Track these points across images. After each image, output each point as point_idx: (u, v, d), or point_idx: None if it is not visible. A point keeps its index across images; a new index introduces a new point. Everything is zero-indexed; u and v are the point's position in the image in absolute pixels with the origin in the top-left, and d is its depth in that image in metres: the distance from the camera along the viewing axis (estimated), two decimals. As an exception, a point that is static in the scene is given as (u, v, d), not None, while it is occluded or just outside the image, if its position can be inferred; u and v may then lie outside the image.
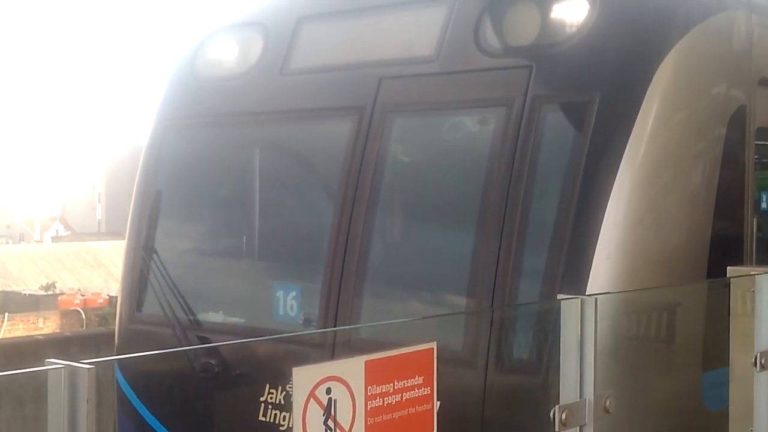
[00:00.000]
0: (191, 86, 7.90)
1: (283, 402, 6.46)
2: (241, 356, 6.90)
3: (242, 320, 7.42)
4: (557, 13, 6.17)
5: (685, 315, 6.01)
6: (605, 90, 5.87)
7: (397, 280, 6.68)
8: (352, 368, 2.88)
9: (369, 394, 2.94)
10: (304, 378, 2.75)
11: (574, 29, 6.06)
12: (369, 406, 2.95)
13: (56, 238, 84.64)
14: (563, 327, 3.87)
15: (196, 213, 8.00)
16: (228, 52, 7.76)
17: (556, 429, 3.78)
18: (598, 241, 5.62)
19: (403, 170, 6.85)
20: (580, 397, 3.78)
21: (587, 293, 5.25)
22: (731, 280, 5.45)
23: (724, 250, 6.19)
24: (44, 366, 2.31)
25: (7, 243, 79.12)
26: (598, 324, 3.87)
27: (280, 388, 6.50)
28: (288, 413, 6.41)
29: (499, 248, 5.88)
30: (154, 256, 7.67)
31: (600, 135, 5.77)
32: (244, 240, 7.78)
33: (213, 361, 6.81)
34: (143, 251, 7.74)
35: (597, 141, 5.76)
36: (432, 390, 3.15)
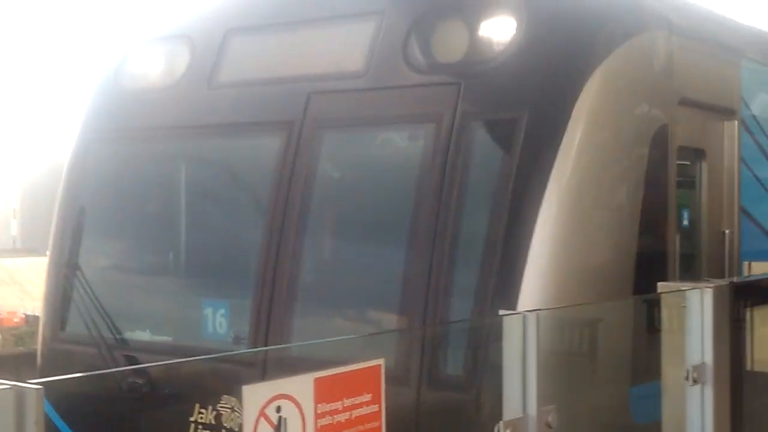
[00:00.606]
0: (116, 99, 7.75)
1: (213, 422, 6.34)
2: (170, 375, 6.76)
3: (170, 338, 7.28)
4: (485, 30, 6.21)
5: (616, 330, 6.09)
6: (533, 108, 5.93)
7: (328, 297, 6.63)
8: (302, 385, 2.83)
9: (318, 412, 2.90)
10: (254, 396, 2.69)
11: (501, 47, 6.11)
12: (319, 424, 2.91)
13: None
14: (505, 343, 3.88)
15: (122, 229, 7.83)
16: (153, 65, 7.63)
17: (501, 445, 3.78)
18: (528, 258, 5.66)
19: (332, 186, 6.82)
20: (524, 412, 3.79)
21: (519, 310, 5.29)
22: (661, 295, 5.54)
23: (649, 266, 6.30)
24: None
25: None
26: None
27: (210, 408, 6.38)
28: (218, 434, 6.30)
29: (431, 265, 5.89)
30: (78, 273, 7.49)
31: (528, 152, 5.82)
32: (172, 256, 7.64)
33: (140, 381, 6.66)
34: (67, 268, 7.55)
35: (525, 158, 5.82)
36: (380, 407, 3.12)
